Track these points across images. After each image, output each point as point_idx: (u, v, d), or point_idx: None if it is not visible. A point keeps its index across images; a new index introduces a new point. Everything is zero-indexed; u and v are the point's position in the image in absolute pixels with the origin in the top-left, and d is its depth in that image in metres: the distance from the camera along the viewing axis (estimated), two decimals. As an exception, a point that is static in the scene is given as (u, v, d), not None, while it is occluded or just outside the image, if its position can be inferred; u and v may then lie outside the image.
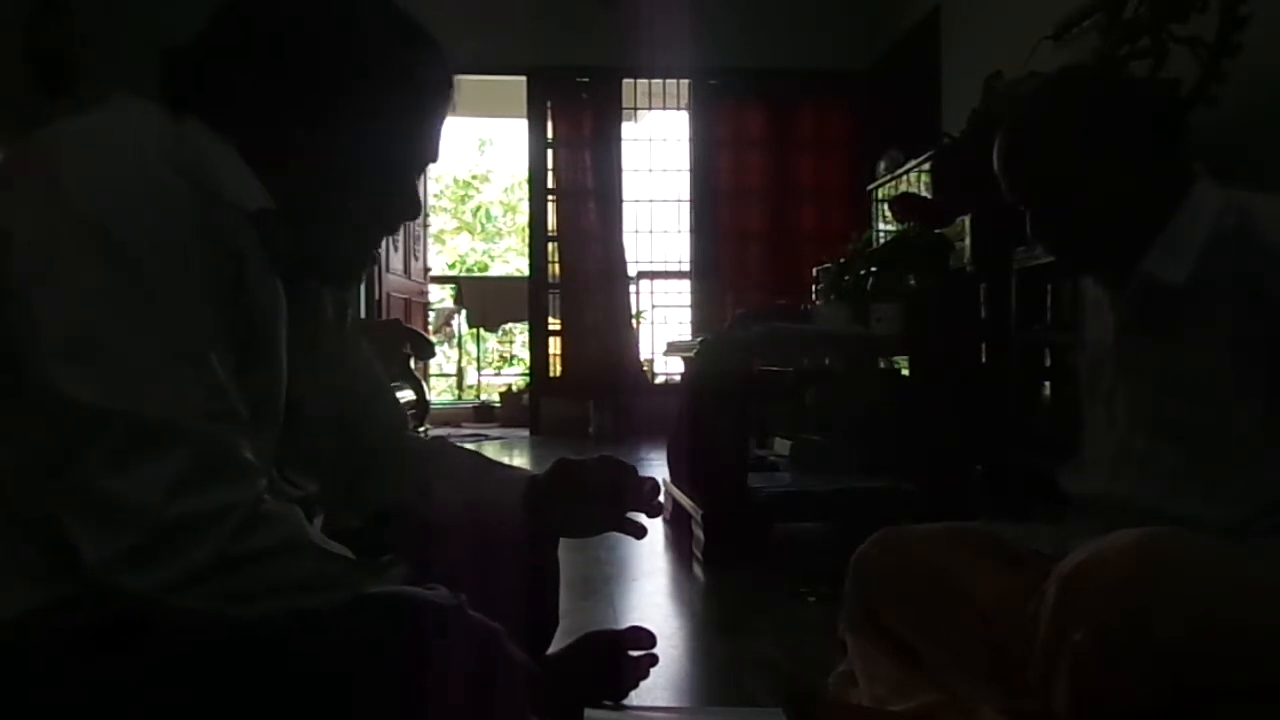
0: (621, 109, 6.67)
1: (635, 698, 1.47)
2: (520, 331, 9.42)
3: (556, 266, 6.73)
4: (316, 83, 0.88)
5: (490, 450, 6.01)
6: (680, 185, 6.88)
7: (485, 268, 12.14)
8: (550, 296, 6.79)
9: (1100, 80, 1.29)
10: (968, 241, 3.31)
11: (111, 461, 0.74)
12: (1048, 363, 3.05)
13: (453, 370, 9.41)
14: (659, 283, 7.26)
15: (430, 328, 7.91)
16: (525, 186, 7.60)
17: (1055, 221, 1.25)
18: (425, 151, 0.96)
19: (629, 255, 6.78)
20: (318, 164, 0.90)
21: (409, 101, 0.93)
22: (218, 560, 0.76)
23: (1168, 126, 1.24)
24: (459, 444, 1.25)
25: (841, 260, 3.39)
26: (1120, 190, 1.20)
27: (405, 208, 0.97)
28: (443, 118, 0.97)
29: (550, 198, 6.70)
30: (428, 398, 5.14)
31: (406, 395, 4.41)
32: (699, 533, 2.90)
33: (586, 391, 6.60)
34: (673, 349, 3.87)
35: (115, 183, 0.78)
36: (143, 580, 0.74)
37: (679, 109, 6.80)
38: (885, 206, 4.33)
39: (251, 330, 0.87)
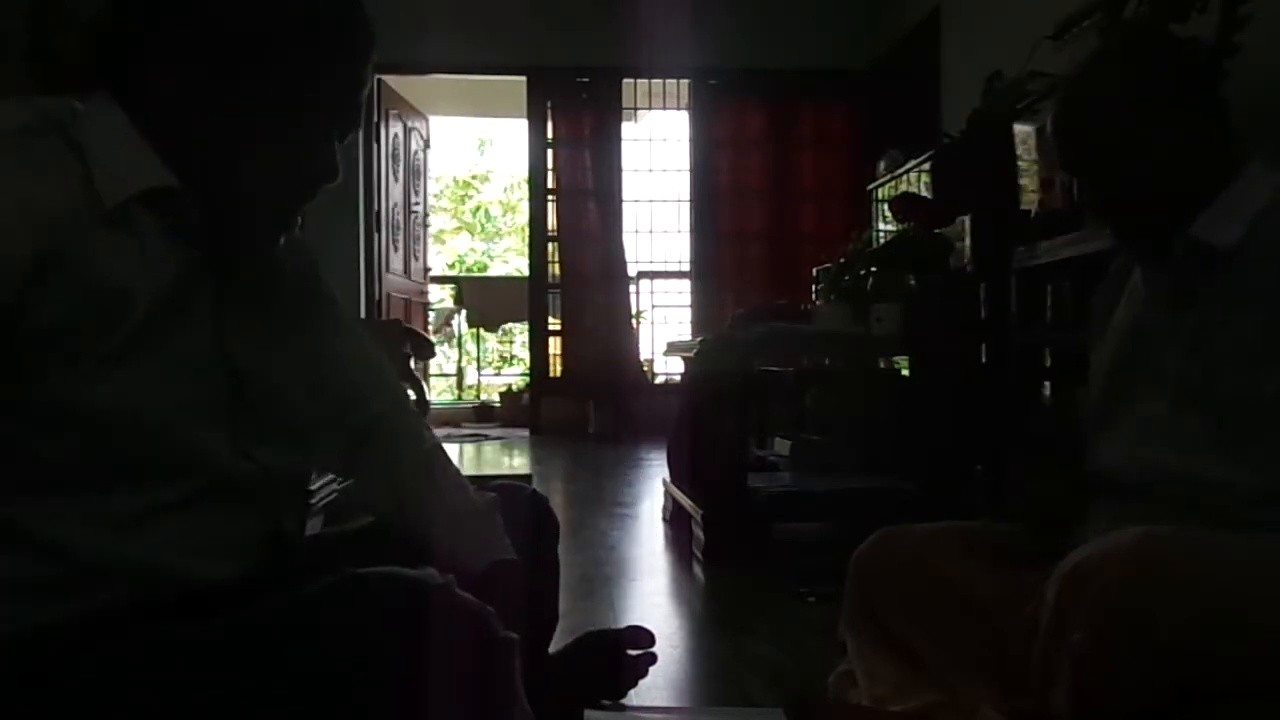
0: (621, 109, 6.66)
1: (635, 697, 1.47)
2: (520, 331, 9.41)
3: (556, 266, 6.73)
4: (219, 51, 0.87)
5: (490, 450, 6.01)
6: (680, 185, 6.88)
7: (485, 268, 12.14)
8: (550, 296, 6.79)
9: (1164, 47, 1.29)
10: (968, 241, 3.31)
11: None
12: (1048, 363, 3.05)
13: (453, 370, 9.40)
14: (659, 283, 7.25)
15: (430, 328, 7.92)
16: (525, 186, 7.60)
17: (1111, 189, 1.26)
18: (338, 106, 0.94)
19: (629, 255, 6.78)
20: (227, 127, 0.89)
21: (315, 52, 0.91)
22: None
23: (1219, 97, 1.25)
24: (455, 467, 1.20)
25: (841, 260, 3.39)
26: (1176, 157, 1.21)
27: (324, 168, 0.94)
28: (358, 79, 0.94)
29: (550, 198, 6.69)
30: (428, 398, 5.15)
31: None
32: (699, 533, 2.90)
33: (586, 391, 6.60)
34: (673, 349, 3.87)
35: None
36: None
37: (679, 109, 6.80)
38: (885, 206, 4.33)
39: (111, 314, 0.84)
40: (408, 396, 1.21)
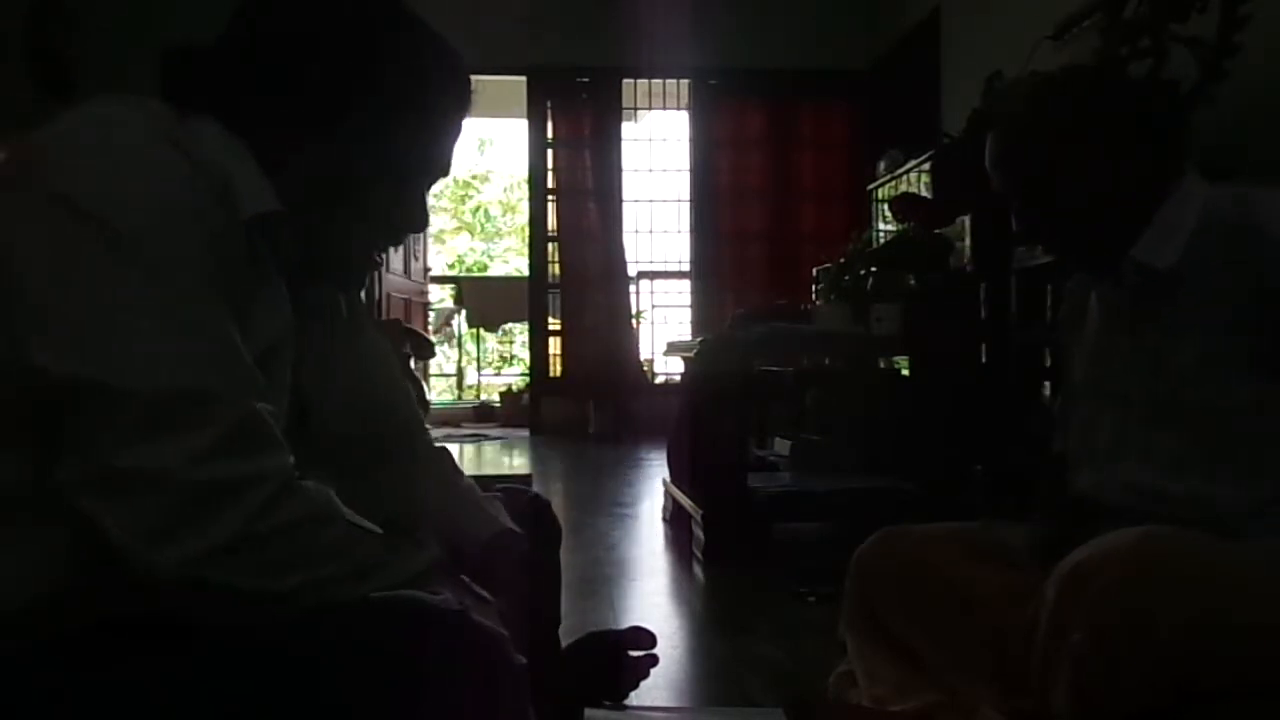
0: (621, 109, 6.67)
1: (635, 698, 1.46)
2: (520, 331, 9.42)
3: (556, 266, 6.73)
4: (331, 91, 0.88)
5: (490, 450, 6.01)
6: (680, 185, 6.88)
7: (485, 268, 12.14)
8: (550, 296, 6.79)
9: (1086, 80, 1.31)
10: (968, 241, 3.32)
11: (136, 436, 0.72)
12: (1048, 363, 3.05)
13: (453, 370, 9.41)
14: (659, 283, 7.26)
15: (430, 328, 7.92)
16: (525, 186, 7.61)
17: (1043, 218, 1.27)
18: (437, 163, 0.96)
19: (629, 255, 6.78)
20: (328, 172, 0.90)
21: (424, 113, 0.93)
22: (246, 530, 0.75)
23: (1153, 124, 1.26)
24: (458, 465, 1.23)
25: (841, 260, 3.39)
26: (1105, 186, 1.22)
27: (414, 218, 0.96)
28: (458, 130, 0.96)
29: (550, 198, 6.70)
30: (428, 398, 5.16)
31: (406, 395, 4.40)
32: (699, 533, 2.90)
33: (586, 391, 6.60)
34: (673, 349, 3.87)
35: (110, 174, 0.77)
36: (170, 554, 0.73)
37: (679, 109, 6.81)
38: (885, 206, 4.34)
39: (246, 331, 0.85)
40: (415, 402, 1.23)
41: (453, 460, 1.20)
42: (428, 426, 1.24)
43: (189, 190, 0.79)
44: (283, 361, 0.91)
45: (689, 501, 3.07)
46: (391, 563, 0.85)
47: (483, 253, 12.51)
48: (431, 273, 7.86)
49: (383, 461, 1.12)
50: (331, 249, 0.94)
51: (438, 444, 1.21)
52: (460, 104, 0.96)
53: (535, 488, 1.33)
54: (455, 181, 12.53)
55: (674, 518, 3.35)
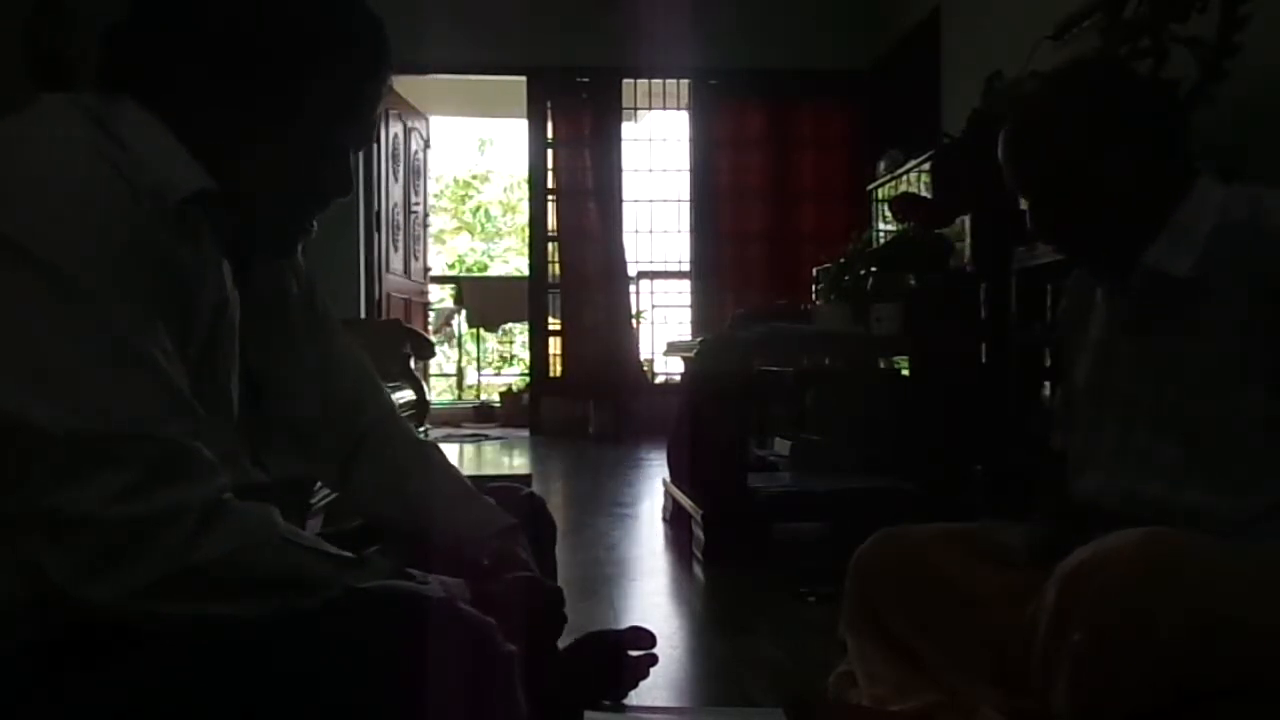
0: (621, 109, 6.66)
1: (635, 698, 1.46)
2: (520, 331, 9.42)
3: (556, 266, 6.73)
4: (252, 61, 0.87)
5: (490, 450, 6.01)
6: (680, 185, 6.88)
7: (485, 268, 12.14)
8: (550, 296, 6.79)
9: (1101, 76, 1.29)
10: (968, 241, 3.31)
11: (57, 479, 0.73)
12: (1048, 363, 3.05)
13: (453, 370, 9.40)
14: (659, 283, 7.25)
15: (430, 328, 7.91)
16: (525, 186, 7.60)
17: (1057, 216, 1.26)
18: (356, 124, 0.95)
19: (629, 255, 6.78)
20: (252, 142, 0.89)
21: (347, 82, 0.92)
22: (175, 563, 0.75)
23: (1169, 122, 1.25)
24: (450, 461, 1.21)
25: (841, 260, 3.39)
26: (1121, 185, 1.21)
27: (339, 182, 0.96)
28: (379, 98, 0.96)
29: (550, 197, 6.69)
30: (428, 398, 5.14)
31: (406, 395, 4.42)
32: (699, 533, 2.90)
33: (586, 391, 6.60)
34: (673, 349, 3.87)
35: (37, 203, 0.76)
36: (104, 591, 0.74)
37: (679, 109, 6.80)
38: (885, 206, 4.33)
39: (192, 317, 0.86)
40: (395, 404, 1.23)
41: (443, 457, 1.19)
42: (426, 427, 1.24)
43: (118, 203, 0.78)
44: (228, 337, 0.91)
45: (689, 501, 3.07)
46: (344, 575, 0.84)
47: (483, 253, 12.51)
48: (431, 273, 7.86)
49: (357, 458, 1.12)
50: (260, 217, 0.93)
51: (436, 442, 1.21)
52: (375, 62, 0.95)
53: (535, 487, 1.33)
54: (455, 181, 12.54)
55: (674, 518, 3.35)
